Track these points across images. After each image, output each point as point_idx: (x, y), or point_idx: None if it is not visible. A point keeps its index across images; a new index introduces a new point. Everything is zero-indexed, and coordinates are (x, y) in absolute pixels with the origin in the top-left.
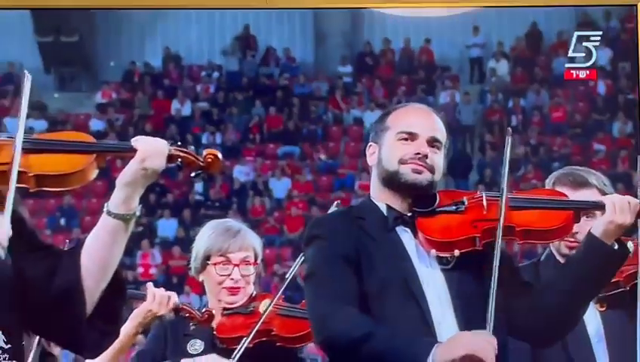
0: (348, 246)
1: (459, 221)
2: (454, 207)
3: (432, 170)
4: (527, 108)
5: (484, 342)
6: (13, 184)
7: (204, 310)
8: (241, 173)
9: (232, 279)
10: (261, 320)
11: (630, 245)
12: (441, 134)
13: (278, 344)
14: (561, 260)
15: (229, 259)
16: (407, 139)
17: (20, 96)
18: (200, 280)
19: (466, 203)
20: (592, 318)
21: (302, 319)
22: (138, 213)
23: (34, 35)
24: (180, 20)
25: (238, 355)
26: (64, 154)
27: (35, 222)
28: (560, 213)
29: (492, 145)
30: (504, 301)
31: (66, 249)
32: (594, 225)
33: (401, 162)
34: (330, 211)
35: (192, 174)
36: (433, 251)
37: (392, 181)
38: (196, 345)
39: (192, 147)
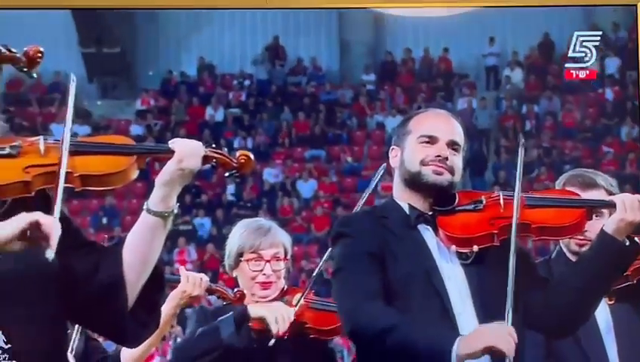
0: (373, 244)
1: (477, 219)
2: (473, 206)
3: (451, 171)
4: (540, 113)
5: (504, 334)
6: (61, 184)
7: (235, 290)
8: (271, 175)
9: (264, 274)
10: (295, 310)
11: None
12: (460, 138)
13: (311, 336)
14: (571, 257)
15: (261, 256)
16: (429, 142)
17: (67, 100)
18: (234, 276)
19: (484, 202)
20: (602, 311)
21: (334, 312)
22: (176, 211)
23: (78, 46)
24: (215, 32)
25: (300, 303)
26: (107, 156)
27: (79, 221)
28: (573, 211)
29: (507, 148)
30: (521, 295)
31: (105, 245)
32: (606, 223)
33: (423, 164)
34: (377, 171)
35: (226, 174)
36: (453, 247)
37: (414, 182)
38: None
39: (225, 149)
